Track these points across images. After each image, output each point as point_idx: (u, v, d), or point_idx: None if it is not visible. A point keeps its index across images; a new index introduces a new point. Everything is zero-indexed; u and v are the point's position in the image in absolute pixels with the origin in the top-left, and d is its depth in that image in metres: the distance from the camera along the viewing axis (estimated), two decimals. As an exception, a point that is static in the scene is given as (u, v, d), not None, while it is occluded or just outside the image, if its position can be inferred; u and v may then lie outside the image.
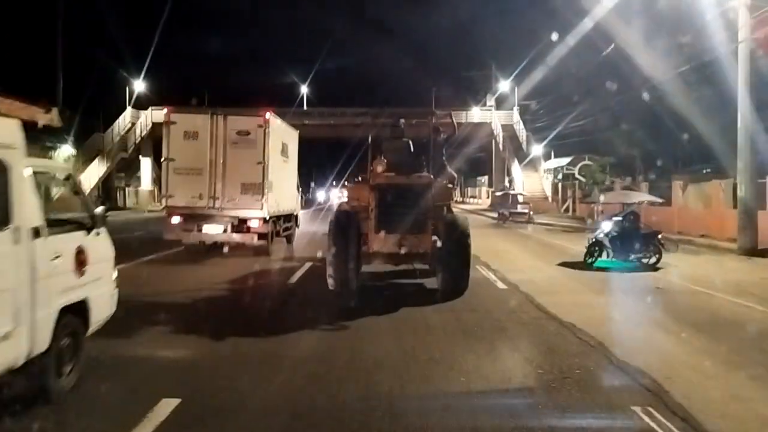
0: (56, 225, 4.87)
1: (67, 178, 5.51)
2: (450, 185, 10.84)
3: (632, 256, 13.39)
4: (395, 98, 62.21)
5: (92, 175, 39.75)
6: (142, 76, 47.17)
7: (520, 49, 49.45)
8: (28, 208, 4.37)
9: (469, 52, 53.12)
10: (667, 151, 28.64)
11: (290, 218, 16.91)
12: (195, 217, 13.62)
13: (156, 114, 48.16)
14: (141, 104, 48.15)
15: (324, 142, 48.94)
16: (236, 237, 13.78)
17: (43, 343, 4.49)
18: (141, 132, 46.62)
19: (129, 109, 47.09)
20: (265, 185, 13.61)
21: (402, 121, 10.88)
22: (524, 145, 43.47)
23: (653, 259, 13.44)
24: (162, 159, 14.05)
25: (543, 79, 46.31)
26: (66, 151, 38.54)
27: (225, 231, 13.72)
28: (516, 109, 47.16)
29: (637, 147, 29.96)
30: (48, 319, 4.58)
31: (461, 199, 66.95)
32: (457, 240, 9.16)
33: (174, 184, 13.63)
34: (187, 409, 4.71)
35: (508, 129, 46.08)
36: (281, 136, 15.21)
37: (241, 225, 13.67)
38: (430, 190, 9.47)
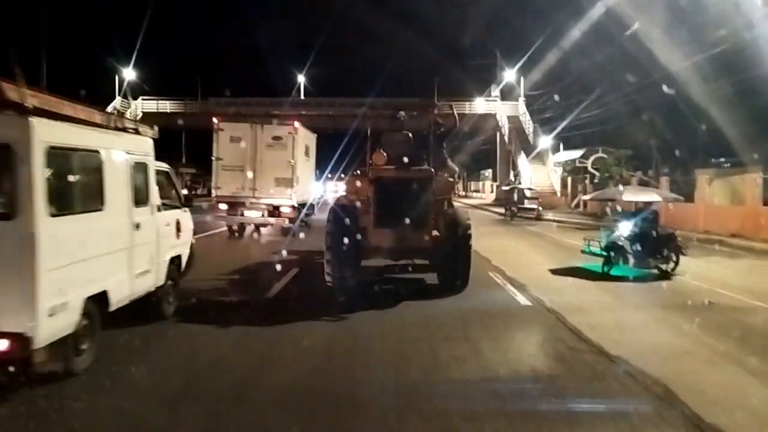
0: (166, 204, 7.43)
1: (167, 173, 7.88)
2: (451, 179, 10.52)
3: (652, 262, 11.50)
4: (396, 88, 60.34)
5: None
6: (132, 64, 45.24)
7: (526, 37, 47.49)
8: (155, 193, 7.00)
9: (474, 40, 51.03)
10: (686, 143, 26.76)
11: (310, 206, 19.62)
12: (238, 204, 16.73)
13: (147, 104, 46.44)
14: (131, 93, 46.33)
15: (321, 133, 46.97)
16: (271, 220, 17.12)
17: (161, 279, 7.13)
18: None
19: (118, 99, 45.23)
20: (294, 179, 16.76)
21: (402, 113, 10.57)
22: (531, 138, 41.60)
23: (670, 265, 11.52)
24: (213, 158, 16.82)
25: (550, 69, 44.50)
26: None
27: (262, 215, 16.98)
28: (522, 100, 45.24)
29: (653, 138, 28.04)
30: (164, 264, 7.25)
31: (464, 194, 65.18)
32: (458, 235, 9.00)
33: (222, 178, 16.74)
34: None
35: (513, 121, 44.20)
36: (305, 140, 18.43)
37: (275, 210, 16.85)
38: (431, 184, 9.19)
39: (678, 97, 26.52)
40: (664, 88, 26.78)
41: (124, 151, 6.25)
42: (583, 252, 12.48)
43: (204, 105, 46.76)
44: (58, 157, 4.97)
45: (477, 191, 60.07)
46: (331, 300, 8.57)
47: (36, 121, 4.62)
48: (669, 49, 27.21)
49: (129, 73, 45.74)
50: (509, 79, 45.48)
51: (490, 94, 47.64)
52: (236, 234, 17.81)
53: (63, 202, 5.07)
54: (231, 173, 16.56)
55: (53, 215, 4.78)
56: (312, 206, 19.99)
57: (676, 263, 11.56)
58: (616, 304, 9.21)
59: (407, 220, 8.97)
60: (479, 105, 46.11)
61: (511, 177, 49.73)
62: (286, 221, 16.97)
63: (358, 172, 10.46)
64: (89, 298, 5.34)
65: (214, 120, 17.00)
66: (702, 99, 25.51)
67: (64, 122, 5.17)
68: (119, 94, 45.38)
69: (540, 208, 28.40)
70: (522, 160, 39.05)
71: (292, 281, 10.38)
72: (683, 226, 17.48)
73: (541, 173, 37.09)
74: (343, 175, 24.80)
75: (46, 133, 4.73)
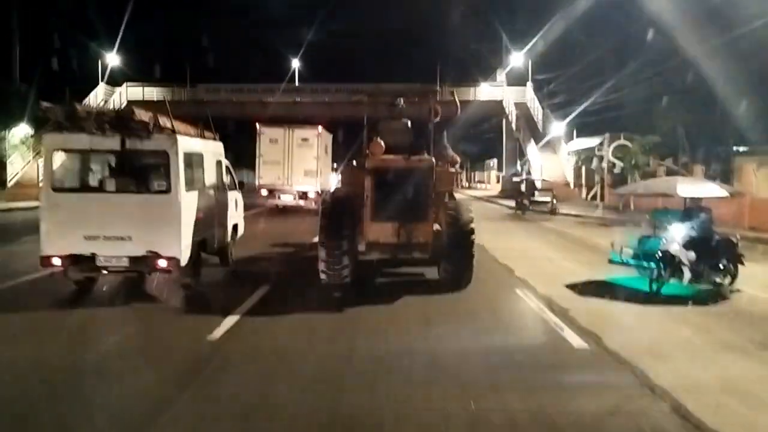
0: (230, 187, 10.73)
1: (228, 166, 10.75)
2: (452, 169, 10.02)
3: (708, 276, 8.90)
4: (397, 74, 57.57)
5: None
6: (116, 48, 42.49)
7: (535, 16, 44.81)
8: (224, 179, 10.29)
9: (479, 21, 48.27)
10: (715, 129, 24.13)
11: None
12: (276, 191, 21.69)
13: (132, 90, 43.75)
14: (115, 80, 43.63)
15: (318, 122, 44.30)
16: (301, 202, 21.64)
17: (229, 238, 10.43)
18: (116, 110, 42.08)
19: (102, 85, 42.56)
20: (318, 171, 21.42)
21: (400, 99, 10.14)
22: (540, 125, 38.90)
23: (727, 278, 9.00)
24: (257, 156, 21.74)
25: (561, 51, 41.88)
26: (22, 131, 34.09)
27: (294, 198, 21.72)
28: (530, 84, 42.50)
29: (681, 123, 25.37)
30: (229, 228, 10.47)
31: (467, 185, 62.64)
32: (460, 228, 8.54)
33: (263, 170, 21.73)
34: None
35: (521, 107, 41.49)
36: (325, 140, 22.80)
37: (303, 195, 21.53)
38: (432, 174, 8.78)
39: (707, 77, 23.92)
40: (689, 68, 24.20)
41: (212, 153, 9.60)
42: (611, 262, 9.73)
43: (193, 92, 44.11)
44: (187, 157, 8.16)
45: (481, 182, 57.39)
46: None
47: (179, 138, 7.95)
48: (698, 25, 24.57)
49: (113, 58, 42.99)
50: (516, 63, 42.70)
51: (496, 80, 44.85)
52: (278, 207, 22.21)
53: (190, 183, 8.19)
54: (270, 166, 21.52)
55: (186, 191, 7.97)
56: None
57: (735, 275, 9.04)
58: (703, 344, 6.63)
59: (406, 213, 8.62)
60: (484, 91, 43.35)
61: (518, 167, 47.20)
62: (312, 203, 20.68)
63: (354, 162, 9.97)
64: (199, 241, 8.48)
65: (257, 125, 22.03)
66: (736, 79, 22.91)
67: (188, 137, 8.60)
68: (102, 80, 42.70)
69: (554, 201, 25.83)
70: (531, 149, 36.41)
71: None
72: (722, 223, 14.89)
73: (552, 163, 34.44)
74: (335, 165, 24.79)
75: (182, 145, 7.97)
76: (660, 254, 8.89)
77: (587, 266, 11.74)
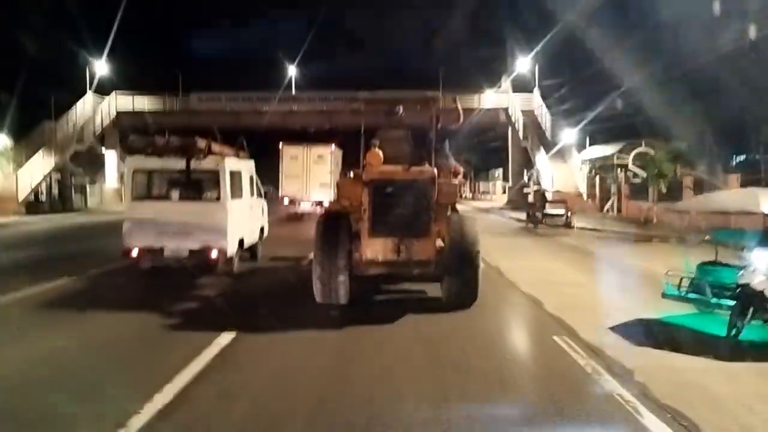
0: (258, 196, 12.99)
1: (256, 179, 12.94)
2: (455, 180, 9.35)
3: None
4: (397, 81, 55.79)
5: (35, 170, 33.27)
6: (105, 56, 40.65)
7: (543, 18, 43.11)
8: (256, 190, 12.82)
9: (482, 26, 46.58)
10: (746, 135, 22.16)
11: None
12: (296, 200, 24.92)
13: (122, 100, 41.96)
14: (103, 89, 41.78)
15: (318, 132, 42.46)
16: (317, 209, 22.62)
17: (257, 237, 12.78)
18: (103, 120, 40.25)
19: (90, 94, 40.71)
20: (331, 184, 21.69)
21: (400, 107, 9.62)
22: (549, 133, 36.95)
23: None
24: (280, 171, 25.14)
25: (569, 54, 40.07)
26: (1, 142, 32.24)
27: (311, 206, 24.37)
28: (537, 91, 40.63)
29: (704, 130, 23.41)
30: (258, 229, 12.84)
31: (471, 196, 60.65)
32: (465, 246, 7.94)
33: (286, 183, 25.07)
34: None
35: (528, 114, 39.60)
36: (337, 157, 24.72)
37: (319, 204, 23.56)
38: (433, 186, 8.16)
39: (731, 80, 22.03)
40: (714, 70, 22.31)
41: (246, 170, 12.02)
42: (666, 296, 7.84)
43: (185, 102, 42.32)
44: (231, 174, 10.61)
45: (486, 193, 55.33)
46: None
47: (227, 159, 10.58)
48: (721, 24, 22.71)
49: (101, 66, 41.15)
50: (522, 68, 40.82)
51: (501, 86, 42.95)
52: (297, 214, 24.76)
53: (233, 194, 10.57)
54: (291, 180, 24.76)
55: (232, 199, 10.41)
56: None
57: None
58: None
59: (407, 228, 8.15)
60: (488, 98, 41.50)
61: (525, 178, 45.25)
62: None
63: (352, 174, 9.23)
64: (239, 239, 11.00)
65: (280, 144, 25.16)
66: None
67: (232, 158, 11.06)
68: (90, 88, 40.86)
69: (569, 214, 23.83)
70: (541, 158, 34.40)
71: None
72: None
73: (562, 172, 32.41)
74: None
75: (228, 164, 10.49)
76: (738, 288, 6.88)
77: (629, 296, 9.73)
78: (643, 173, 24.01)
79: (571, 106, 36.03)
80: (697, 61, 23.34)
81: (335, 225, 8.12)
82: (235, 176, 10.91)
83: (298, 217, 24.20)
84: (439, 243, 8.45)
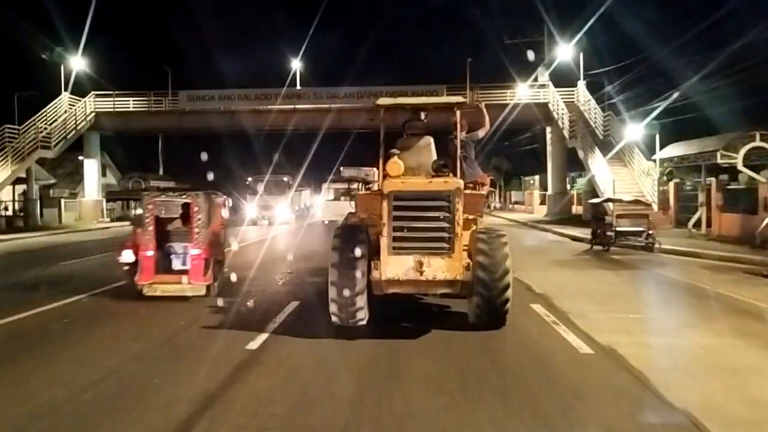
0: None
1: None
2: (482, 191, 8.66)
3: None
4: (419, 73, 50.21)
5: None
6: (80, 51, 35.52)
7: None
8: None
9: (515, 10, 40.62)
10: None
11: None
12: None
13: (101, 100, 36.75)
14: (82, 87, 36.65)
15: (322, 132, 36.77)
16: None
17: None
18: (78, 124, 35.05)
19: (65, 95, 35.59)
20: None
21: (423, 114, 8.71)
22: (599, 130, 30.81)
23: None
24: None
25: (623, 36, 34.08)
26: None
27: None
28: (582, 83, 34.56)
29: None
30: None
31: (499, 206, 54.52)
32: (493, 263, 7.24)
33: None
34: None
35: (573, 110, 33.56)
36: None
37: None
38: (460, 199, 7.38)
39: None
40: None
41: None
42: None
43: (174, 101, 36.98)
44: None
45: (519, 203, 49.04)
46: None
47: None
48: None
49: (78, 62, 36.02)
50: (564, 57, 34.83)
51: (537, 79, 36.89)
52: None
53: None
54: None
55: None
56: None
57: None
58: None
59: (431, 245, 7.31)
60: (523, 92, 35.54)
61: (567, 185, 39.04)
62: None
63: (367, 186, 8.93)
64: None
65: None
66: None
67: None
68: (65, 89, 35.75)
69: (650, 232, 17.72)
70: (596, 161, 28.18)
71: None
72: None
73: (622, 178, 26.21)
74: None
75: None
76: None
77: None
78: (760, 177, 17.79)
79: (626, 98, 29.94)
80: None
81: (353, 240, 7.33)
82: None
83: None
84: (466, 260, 7.40)
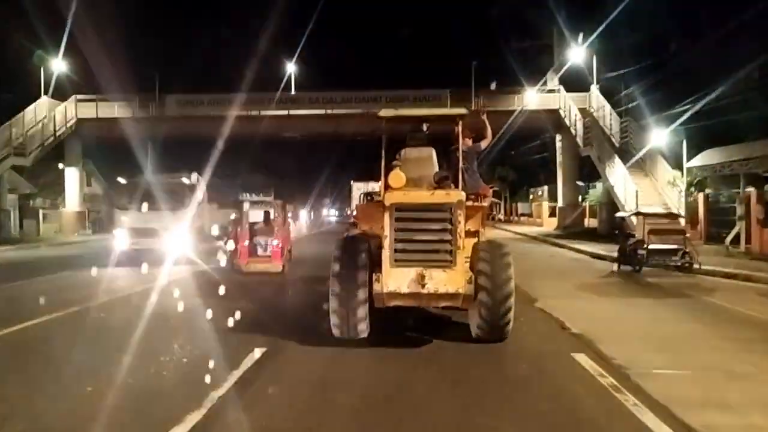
0: None
1: None
2: (484, 202, 8.60)
3: None
4: (421, 76, 48.15)
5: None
6: (61, 53, 33.39)
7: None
8: None
9: (523, 12, 38.51)
10: None
11: None
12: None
13: (84, 105, 34.61)
14: (64, 91, 34.50)
15: (318, 141, 34.57)
16: None
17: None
18: (58, 130, 32.90)
19: (44, 99, 33.49)
20: None
21: (425, 125, 8.76)
22: (615, 138, 28.57)
23: None
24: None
25: (640, 37, 31.95)
26: None
27: None
28: (595, 87, 32.39)
29: None
30: None
31: (504, 218, 52.27)
32: (494, 276, 7.15)
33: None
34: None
35: (586, 116, 31.37)
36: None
37: None
38: (462, 211, 7.37)
39: None
40: None
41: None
42: None
43: (161, 107, 34.82)
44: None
45: (526, 215, 46.73)
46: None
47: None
48: None
49: (58, 65, 33.91)
50: (575, 59, 32.68)
51: (546, 84, 34.70)
52: None
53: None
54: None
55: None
56: None
57: None
58: None
59: (433, 258, 7.24)
60: (532, 98, 33.38)
61: (579, 198, 36.75)
62: None
63: (371, 196, 9.08)
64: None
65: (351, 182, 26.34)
66: None
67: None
68: (45, 93, 33.65)
69: (687, 250, 15.44)
70: (614, 170, 25.88)
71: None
72: None
73: (644, 188, 23.89)
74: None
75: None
76: None
77: None
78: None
79: (647, 101, 27.72)
80: None
81: (354, 253, 7.32)
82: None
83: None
84: (468, 272, 7.26)
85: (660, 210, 18.08)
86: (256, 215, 15.75)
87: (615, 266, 16.19)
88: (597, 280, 14.62)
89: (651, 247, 15.43)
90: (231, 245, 14.68)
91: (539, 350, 7.41)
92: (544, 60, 35.74)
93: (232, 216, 16.98)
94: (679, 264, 15.32)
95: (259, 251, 14.85)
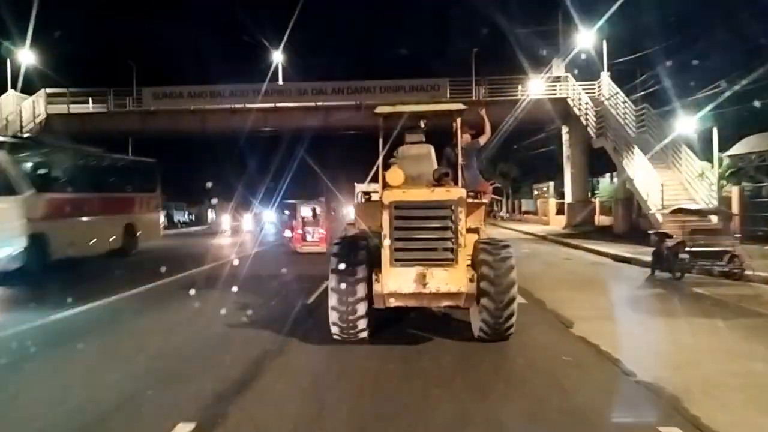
0: None
1: None
2: (484, 199, 8.72)
3: None
4: (417, 64, 45.91)
5: None
6: (28, 42, 30.88)
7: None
8: None
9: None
10: None
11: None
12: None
13: (53, 100, 32.13)
14: (32, 84, 32.08)
15: (305, 134, 32.13)
16: None
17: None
18: (25, 127, 30.48)
19: (11, 93, 31.05)
20: None
21: (423, 121, 8.70)
22: (630, 127, 26.20)
23: None
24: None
25: (657, 17, 29.65)
26: None
27: None
28: (605, 74, 30.07)
29: None
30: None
31: (507, 215, 50.02)
32: (496, 275, 7.06)
33: None
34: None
35: (597, 105, 29.05)
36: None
37: None
38: (463, 208, 7.27)
39: None
40: None
41: None
42: None
43: (138, 100, 32.38)
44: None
45: (530, 212, 44.37)
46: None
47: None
48: None
49: (25, 56, 31.42)
50: (584, 44, 30.37)
51: (552, 72, 32.35)
52: None
53: None
54: None
55: None
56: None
57: None
58: None
59: (433, 257, 7.13)
60: (537, 87, 31.05)
61: (589, 194, 34.43)
62: None
63: (368, 195, 9.65)
64: None
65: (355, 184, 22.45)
66: None
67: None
68: (12, 86, 31.19)
69: (736, 253, 13.13)
70: (633, 161, 23.49)
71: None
72: None
73: (667, 182, 21.52)
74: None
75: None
76: None
77: None
78: None
79: (667, 87, 25.42)
80: None
81: (354, 249, 7.31)
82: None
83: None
84: (470, 271, 7.18)
85: (705, 207, 15.69)
86: (306, 211, 20.37)
87: (649, 272, 13.86)
88: (635, 291, 12.21)
89: (694, 249, 13.10)
90: (288, 233, 21.34)
91: (611, 425, 4.96)
92: (549, 46, 33.40)
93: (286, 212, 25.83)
94: (726, 269, 12.99)
95: (308, 237, 20.03)
